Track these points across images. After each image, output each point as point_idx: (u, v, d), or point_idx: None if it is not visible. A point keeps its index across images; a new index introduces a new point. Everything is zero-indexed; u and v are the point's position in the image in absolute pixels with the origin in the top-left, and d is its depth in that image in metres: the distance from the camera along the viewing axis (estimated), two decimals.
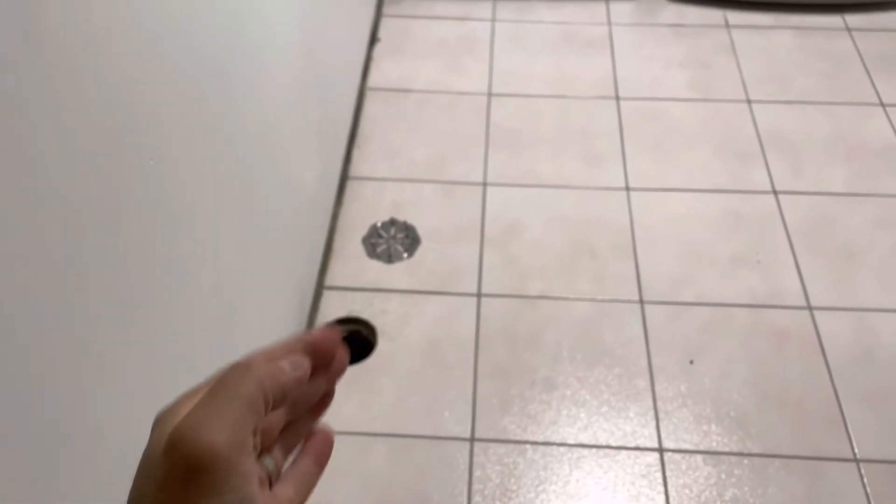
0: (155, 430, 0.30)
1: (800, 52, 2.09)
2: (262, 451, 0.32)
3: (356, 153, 1.86)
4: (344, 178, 1.79)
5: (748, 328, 1.53)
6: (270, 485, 0.33)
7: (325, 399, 0.37)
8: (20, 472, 0.57)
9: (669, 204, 1.74)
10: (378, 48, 2.12)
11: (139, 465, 0.29)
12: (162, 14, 0.79)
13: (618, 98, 1.98)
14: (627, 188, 1.77)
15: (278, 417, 0.34)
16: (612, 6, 2.23)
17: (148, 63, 0.75)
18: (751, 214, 1.72)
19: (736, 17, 2.18)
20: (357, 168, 1.82)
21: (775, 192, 1.75)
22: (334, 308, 1.57)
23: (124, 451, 0.72)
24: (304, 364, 0.33)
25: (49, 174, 0.58)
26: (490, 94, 1.99)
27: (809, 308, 1.55)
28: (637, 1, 2.25)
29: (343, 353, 0.36)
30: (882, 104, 1.94)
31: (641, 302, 1.57)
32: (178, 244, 0.86)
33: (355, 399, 1.41)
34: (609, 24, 2.18)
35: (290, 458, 0.36)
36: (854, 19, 2.17)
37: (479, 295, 1.59)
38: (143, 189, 0.76)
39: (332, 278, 1.62)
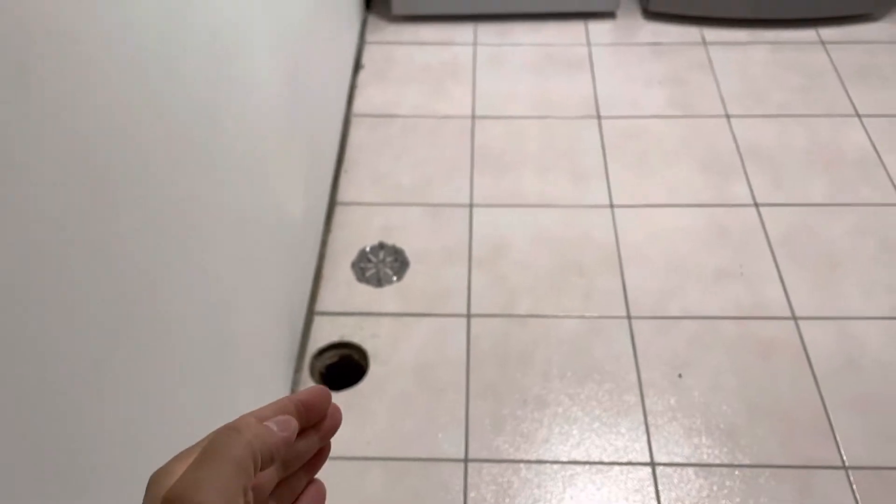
0: (149, 490, 0.31)
1: (776, 66, 2.13)
2: None
3: (343, 179, 1.88)
4: (332, 203, 1.81)
5: (735, 340, 1.55)
6: None
7: (321, 455, 0.38)
8: None
9: (653, 219, 1.77)
10: (362, 75, 2.16)
11: None
12: (145, 51, 0.81)
13: (599, 117, 2.01)
14: (612, 205, 1.80)
15: (269, 476, 0.35)
16: (591, 26, 2.28)
17: (133, 100, 0.77)
18: (733, 227, 1.74)
19: (712, 34, 2.23)
20: (345, 194, 1.85)
21: (756, 205, 1.78)
22: (325, 333, 1.58)
23: (118, 488, 0.73)
24: (293, 424, 0.34)
25: (38, 206, 0.60)
26: (474, 117, 2.02)
27: (794, 318, 1.57)
28: (615, 20, 2.29)
29: (336, 409, 0.38)
30: (857, 115, 1.98)
31: (629, 317, 1.59)
32: (169, 275, 0.88)
33: (349, 424, 1.42)
34: (588, 44, 2.23)
35: None
36: (827, 33, 2.22)
37: (468, 315, 1.60)
38: (133, 223, 0.78)
39: (323, 304, 1.63)
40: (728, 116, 1.99)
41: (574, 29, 2.27)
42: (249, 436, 0.31)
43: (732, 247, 1.71)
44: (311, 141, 1.66)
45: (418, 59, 2.20)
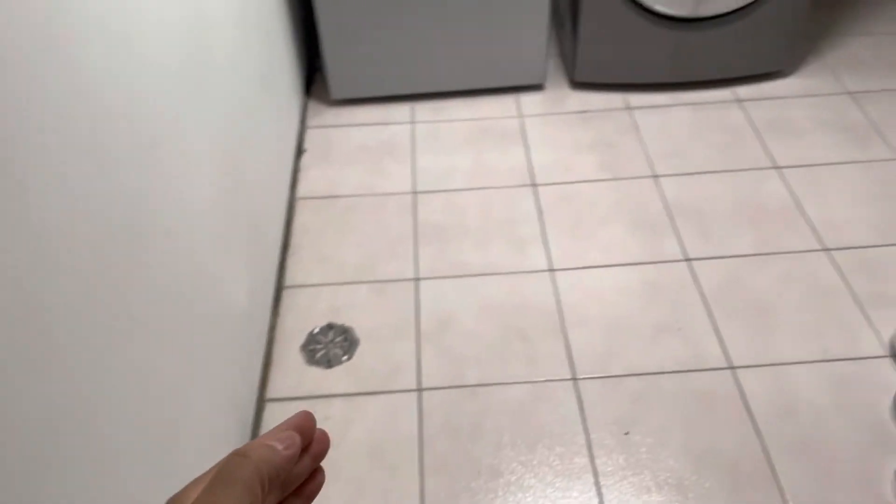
0: None
1: (697, 125, 2.26)
2: None
3: (290, 262, 1.91)
4: (279, 288, 1.84)
5: (677, 394, 1.60)
6: None
7: (314, 481, 0.41)
8: None
9: (592, 281, 1.84)
10: (305, 158, 2.22)
11: None
12: (74, 150, 0.84)
13: (535, 185, 2.10)
14: (551, 269, 1.86)
15: (272, 501, 0.37)
16: (522, 99, 2.39)
17: (60, 205, 0.81)
18: (667, 283, 1.82)
19: (636, 98, 2.35)
20: (291, 277, 1.88)
21: (688, 260, 1.86)
22: (277, 420, 1.58)
23: None
24: (296, 440, 0.38)
25: None
26: (415, 193, 2.08)
27: (731, 368, 1.63)
28: (544, 92, 2.40)
29: (323, 433, 0.41)
30: (776, 167, 2.10)
31: (574, 379, 1.63)
32: (104, 374, 0.90)
33: None
34: (520, 115, 2.33)
35: None
36: (743, 90, 2.36)
37: (419, 390, 1.63)
38: (77, 325, 0.80)
39: (273, 390, 1.64)
40: (656, 176, 2.09)
41: (506, 102, 2.38)
42: (256, 459, 0.34)
43: (668, 302, 1.78)
44: (254, 227, 1.70)
45: (358, 139, 2.28)
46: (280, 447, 0.36)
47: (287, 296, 1.83)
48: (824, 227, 1.92)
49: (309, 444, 0.40)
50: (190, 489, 0.35)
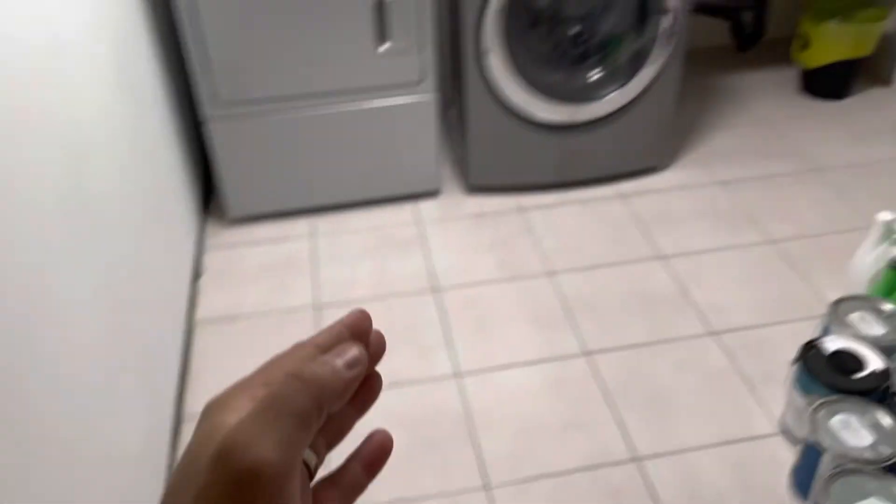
0: (203, 422, 0.30)
1: (586, 221, 2.37)
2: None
3: (189, 390, 1.85)
4: (178, 419, 1.77)
5: (588, 491, 1.61)
6: (311, 478, 0.32)
7: (371, 387, 0.35)
8: None
9: (498, 382, 1.86)
10: (203, 280, 2.19)
11: (182, 458, 0.28)
12: None
13: (436, 290, 2.13)
14: (457, 374, 1.88)
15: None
16: (420, 205, 2.46)
17: None
18: (570, 379, 1.86)
19: (527, 199, 2.47)
20: (192, 406, 1.81)
21: (587, 354, 1.92)
22: None
23: None
24: (363, 357, 0.32)
25: None
26: (316, 307, 2.08)
27: (637, 460, 1.66)
28: (441, 198, 2.49)
29: (379, 333, 0.35)
30: (660, 256, 2.22)
31: (487, 487, 1.62)
32: None
33: None
34: (419, 222, 2.39)
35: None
36: (625, 186, 2.52)
37: None
38: None
39: None
40: (551, 273, 2.17)
41: (405, 210, 2.44)
42: (316, 384, 0.29)
43: (572, 398, 1.81)
44: (149, 358, 1.65)
45: (258, 257, 2.27)
46: (343, 367, 0.31)
47: (187, 429, 1.76)
48: (711, 311, 2.03)
49: (366, 341, 0.34)
50: (233, 397, 0.30)
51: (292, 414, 0.28)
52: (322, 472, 0.35)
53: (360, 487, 0.35)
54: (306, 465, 0.32)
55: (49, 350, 1.13)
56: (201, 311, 2.08)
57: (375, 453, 0.35)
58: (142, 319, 1.64)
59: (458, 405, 1.80)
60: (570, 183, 2.49)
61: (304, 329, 2.01)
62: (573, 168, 2.47)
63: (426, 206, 2.46)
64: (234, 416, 0.29)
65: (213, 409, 0.30)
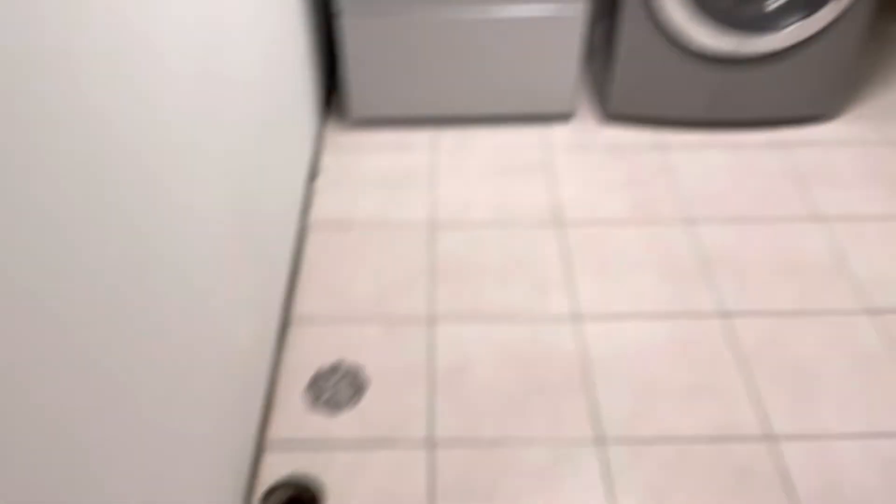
0: None
1: (734, 169, 2.14)
2: None
3: (298, 293, 1.79)
4: (285, 322, 1.72)
5: (710, 464, 1.46)
6: None
7: None
8: None
9: (619, 332, 1.71)
10: (319, 182, 2.10)
11: None
12: (77, 193, 0.73)
13: (560, 223, 1.98)
14: (576, 318, 1.74)
15: None
16: (550, 129, 2.27)
17: (64, 231, 0.69)
18: (702, 339, 1.69)
19: (670, 137, 2.24)
20: (299, 310, 1.76)
21: (723, 315, 1.74)
22: (275, 469, 1.46)
23: None
24: None
25: None
26: (433, 225, 1.97)
27: (770, 439, 1.50)
28: (574, 124, 2.29)
29: None
30: (818, 218, 1.98)
31: (601, 441, 1.50)
32: (102, 415, 0.78)
33: None
34: (547, 147, 2.21)
35: None
36: (783, 135, 2.25)
37: (430, 444, 1.50)
38: (66, 366, 0.68)
39: (273, 434, 1.52)
40: (689, 221, 1.97)
41: (533, 133, 2.26)
42: None
43: (702, 360, 1.65)
44: (262, 256, 1.58)
45: (376, 164, 2.16)
46: None
47: (293, 331, 1.71)
48: (870, 286, 1.79)
49: None
50: None
51: None
52: None
53: None
54: None
55: (177, 239, 1.06)
56: (314, 214, 2.01)
57: None
58: (261, 215, 1.57)
59: (575, 350, 1.67)
60: (721, 123, 2.24)
61: (415, 248, 1.91)
62: (727, 107, 2.21)
63: (557, 132, 2.27)
64: None
65: None
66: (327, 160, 2.18)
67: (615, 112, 2.26)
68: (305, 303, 1.77)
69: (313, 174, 2.11)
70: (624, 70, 2.16)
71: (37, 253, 0.69)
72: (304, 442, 1.51)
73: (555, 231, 1.96)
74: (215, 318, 1.26)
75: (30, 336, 0.68)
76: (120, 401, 0.88)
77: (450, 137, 2.25)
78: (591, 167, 2.16)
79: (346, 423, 1.54)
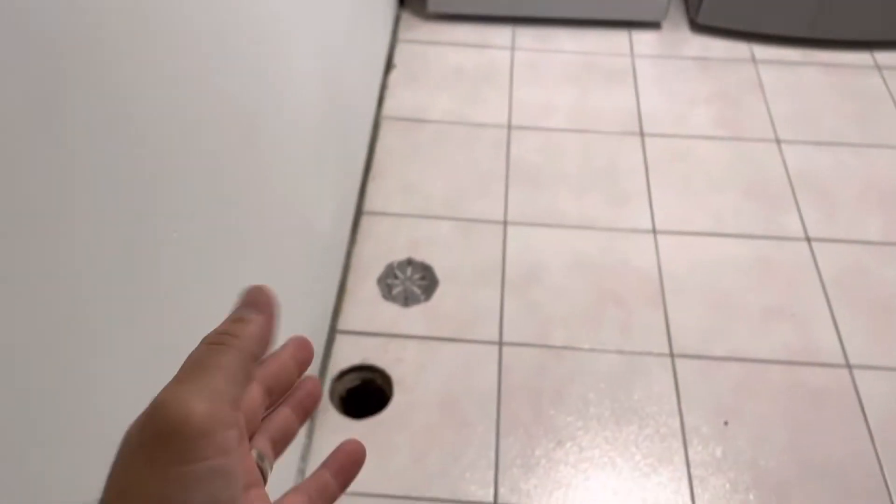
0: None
1: (829, 90, 2.02)
2: (249, 438, 0.32)
3: (371, 186, 1.78)
4: (359, 213, 1.71)
5: (784, 387, 1.45)
6: (265, 479, 0.32)
7: (311, 395, 0.36)
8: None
9: (698, 249, 1.67)
10: (394, 75, 2.05)
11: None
12: (195, 72, 0.71)
13: (642, 134, 1.91)
14: (654, 231, 1.70)
15: (258, 399, 0.33)
16: (636, 36, 2.16)
17: (179, 121, 0.67)
18: (783, 262, 1.64)
19: (763, 51, 2.12)
20: (372, 203, 1.74)
21: (808, 239, 1.68)
22: (347, 354, 1.49)
23: None
24: (255, 317, 0.30)
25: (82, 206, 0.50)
26: (510, 127, 1.91)
27: (848, 366, 1.47)
28: (661, 31, 2.18)
29: (304, 339, 0.35)
30: None
31: (672, 356, 1.49)
32: (193, 286, 0.78)
33: (369, 457, 1.31)
34: (632, 55, 2.12)
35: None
36: (885, 57, 2.11)
37: (500, 344, 1.50)
38: (166, 241, 0.68)
39: (346, 322, 1.53)
40: (779, 141, 1.89)
41: (617, 38, 2.16)
42: (232, 339, 0.29)
43: (782, 284, 1.61)
44: (342, 146, 1.56)
45: (452, 60, 2.09)
46: (253, 316, 0.30)
47: (366, 222, 1.70)
48: None
49: (271, 313, 0.31)
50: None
51: (216, 366, 0.28)
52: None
53: (330, 495, 0.34)
54: (259, 467, 0.32)
55: (278, 121, 1.03)
56: (389, 107, 1.96)
57: (343, 460, 0.35)
58: (342, 102, 1.53)
59: (652, 263, 1.64)
60: (820, 41, 2.11)
61: (490, 149, 1.86)
62: (830, 23, 2.07)
63: (643, 38, 2.16)
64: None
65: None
66: (403, 52, 2.11)
67: (706, 22, 2.14)
68: (379, 196, 1.76)
69: (389, 65, 2.05)
70: None
71: (160, 131, 0.67)
72: (375, 332, 1.52)
73: (635, 141, 1.89)
74: (306, 199, 1.25)
75: (156, 216, 0.67)
76: (223, 269, 0.88)
77: (530, 38, 2.16)
78: (677, 77, 2.06)
79: (415, 318, 1.55)
